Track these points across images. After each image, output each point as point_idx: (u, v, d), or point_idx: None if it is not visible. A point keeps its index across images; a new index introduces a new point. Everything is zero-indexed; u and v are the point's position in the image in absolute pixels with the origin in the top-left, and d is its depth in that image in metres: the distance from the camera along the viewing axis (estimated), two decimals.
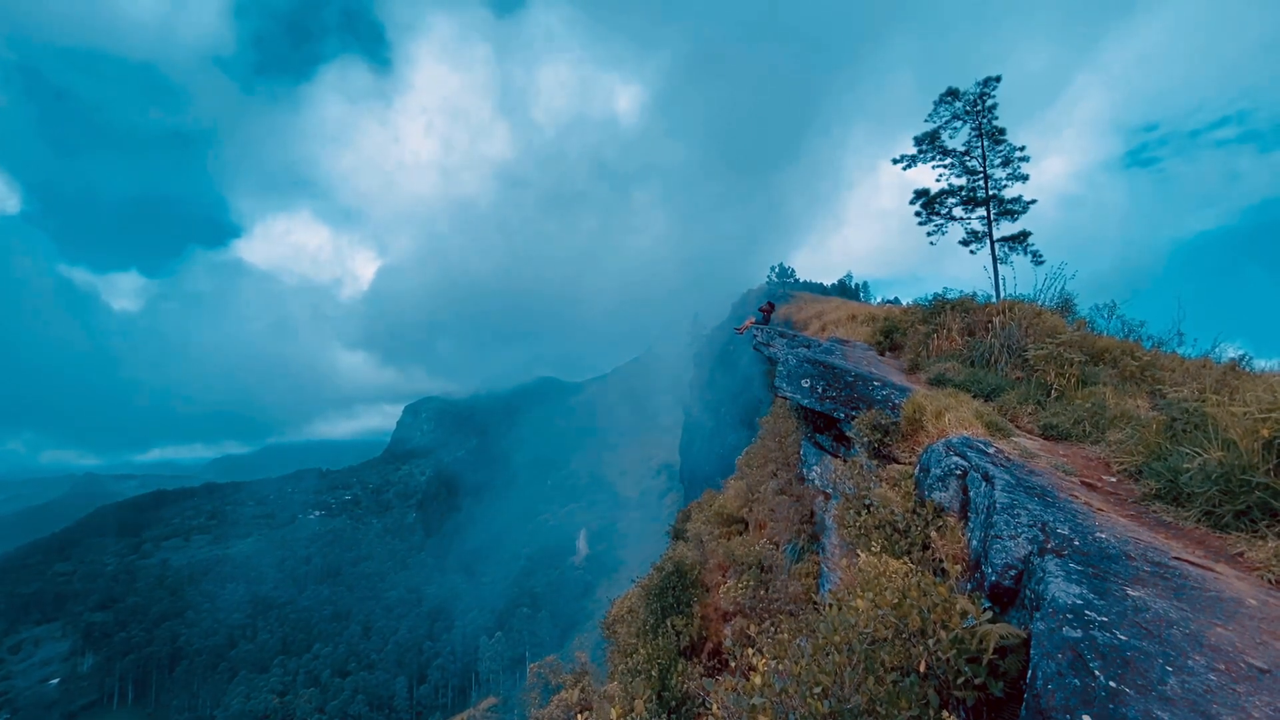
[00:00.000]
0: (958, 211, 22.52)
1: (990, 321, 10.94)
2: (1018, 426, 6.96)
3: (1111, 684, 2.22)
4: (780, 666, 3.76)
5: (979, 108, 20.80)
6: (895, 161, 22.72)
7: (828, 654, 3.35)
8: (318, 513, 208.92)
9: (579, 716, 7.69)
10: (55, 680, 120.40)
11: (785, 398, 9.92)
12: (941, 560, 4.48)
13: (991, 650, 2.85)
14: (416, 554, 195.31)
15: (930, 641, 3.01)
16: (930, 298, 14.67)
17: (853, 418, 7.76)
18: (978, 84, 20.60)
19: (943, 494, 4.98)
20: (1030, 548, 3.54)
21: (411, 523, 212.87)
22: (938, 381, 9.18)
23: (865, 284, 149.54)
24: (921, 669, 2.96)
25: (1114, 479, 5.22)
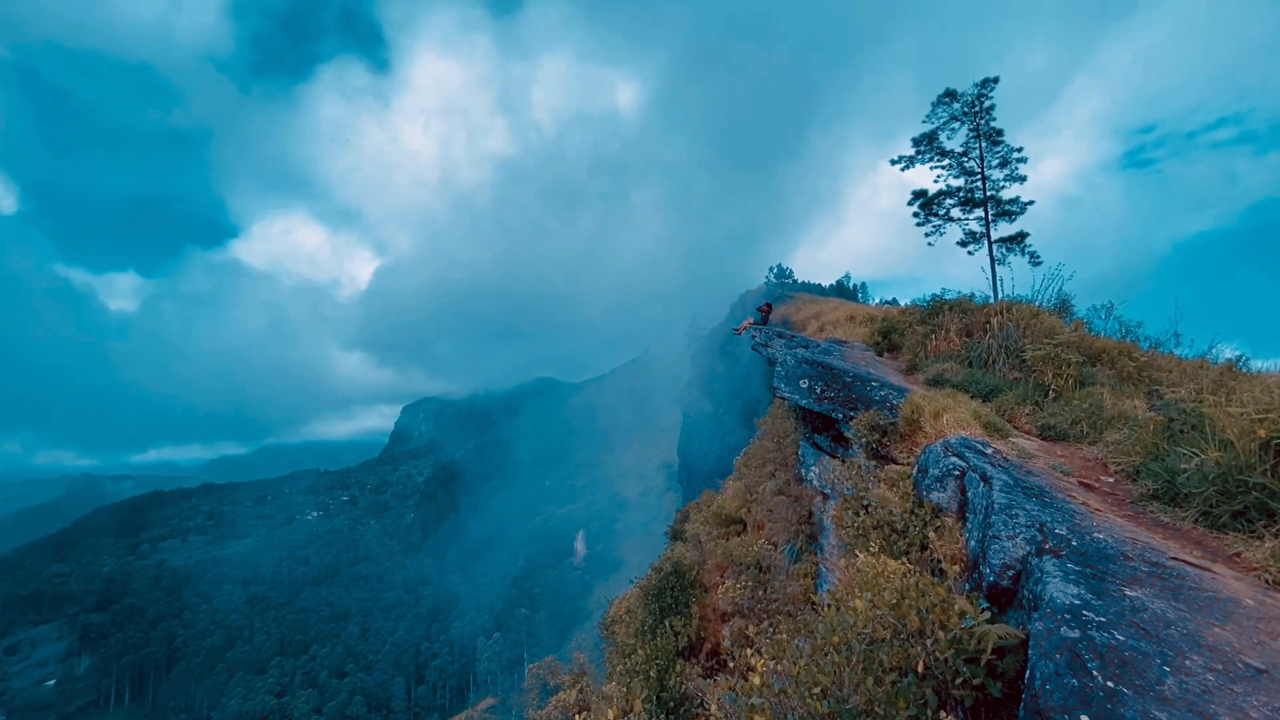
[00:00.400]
0: (956, 212, 22.56)
1: (988, 322, 10.96)
2: (1015, 427, 6.98)
3: (1109, 684, 2.22)
4: (779, 667, 3.76)
5: (977, 109, 20.84)
6: (894, 162, 22.75)
7: (826, 654, 3.35)
8: (315, 513, 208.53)
9: (577, 717, 7.68)
10: (52, 682, 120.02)
11: (784, 398, 9.93)
12: (940, 560, 4.48)
13: (990, 650, 2.85)
14: (414, 554, 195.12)
15: (928, 642, 3.01)
16: (928, 298, 14.67)
17: (851, 418, 7.77)
18: (975, 85, 20.64)
19: (941, 494, 4.99)
20: (1028, 548, 3.54)
21: (410, 523, 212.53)
22: (936, 382, 9.19)
23: (863, 284, 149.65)
24: (920, 669, 2.96)
25: (1111, 479, 5.23)
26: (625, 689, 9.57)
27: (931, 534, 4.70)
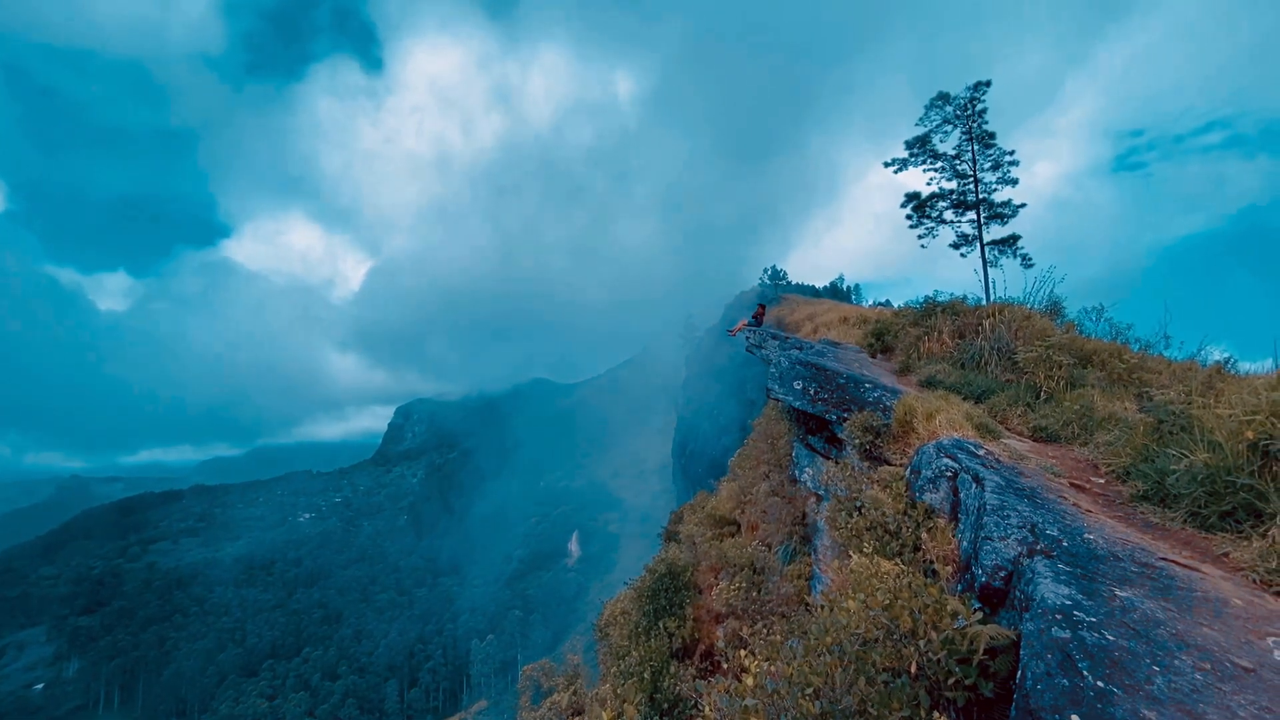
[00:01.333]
0: (948, 215, 22.70)
1: (980, 324, 11.02)
2: (1007, 428, 7.01)
3: (1100, 684, 2.24)
4: (772, 668, 3.76)
5: (969, 112, 20.97)
6: (887, 165, 22.87)
7: (819, 655, 3.36)
8: (308, 515, 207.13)
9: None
10: (40, 685, 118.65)
11: (777, 400, 9.95)
12: (932, 561, 4.50)
13: (982, 651, 2.87)
14: (408, 556, 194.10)
15: (921, 642, 3.02)
16: (921, 300, 14.72)
17: (844, 420, 7.79)
18: (968, 88, 20.78)
19: (933, 495, 5.01)
20: (1020, 549, 3.56)
21: (403, 525, 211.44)
22: (928, 384, 9.23)
23: (857, 286, 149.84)
24: (913, 670, 2.97)
25: (1102, 480, 5.26)
26: (619, 691, 9.56)
27: (924, 535, 4.72)
